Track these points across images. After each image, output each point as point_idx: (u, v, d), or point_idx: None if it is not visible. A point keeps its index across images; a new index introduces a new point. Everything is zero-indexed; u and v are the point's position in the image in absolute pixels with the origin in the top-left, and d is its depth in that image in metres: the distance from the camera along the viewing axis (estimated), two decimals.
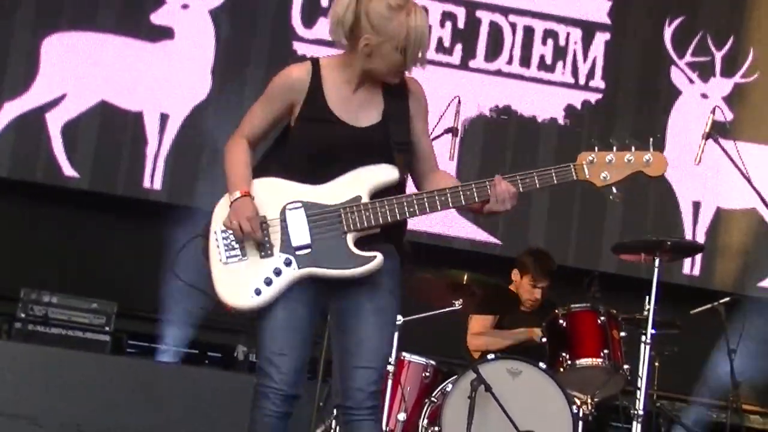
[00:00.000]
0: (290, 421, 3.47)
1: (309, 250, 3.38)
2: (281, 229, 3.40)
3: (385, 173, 3.43)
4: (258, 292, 3.37)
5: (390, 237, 3.46)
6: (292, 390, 3.40)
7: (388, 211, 3.39)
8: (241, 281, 3.38)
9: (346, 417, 3.43)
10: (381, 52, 3.36)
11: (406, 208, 3.40)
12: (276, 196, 3.43)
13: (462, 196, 3.40)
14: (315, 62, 3.50)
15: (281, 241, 3.39)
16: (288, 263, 3.38)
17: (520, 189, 3.40)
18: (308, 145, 3.43)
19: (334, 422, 5.12)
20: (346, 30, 3.37)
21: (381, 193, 3.42)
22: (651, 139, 3.46)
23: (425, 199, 3.41)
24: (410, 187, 3.56)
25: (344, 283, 3.42)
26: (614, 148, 3.41)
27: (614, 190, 3.41)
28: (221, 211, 3.44)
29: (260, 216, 3.40)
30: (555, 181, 3.40)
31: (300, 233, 3.39)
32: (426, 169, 3.56)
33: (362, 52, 3.37)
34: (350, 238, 3.39)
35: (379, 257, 3.38)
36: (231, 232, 3.39)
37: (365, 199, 3.40)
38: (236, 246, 3.40)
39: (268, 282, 3.37)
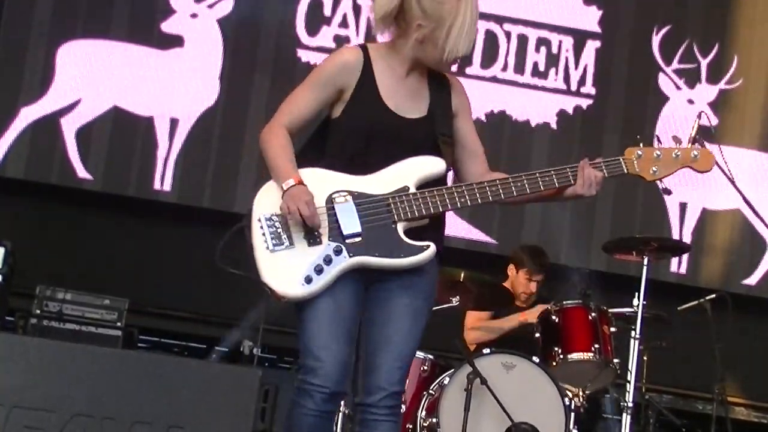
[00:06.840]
0: None
1: (360, 239, 3.12)
2: (329, 217, 3.13)
3: (432, 165, 3.19)
4: (309, 280, 3.10)
5: (432, 234, 3.22)
6: (336, 387, 3.11)
7: (438, 201, 3.17)
8: (290, 269, 3.10)
9: (364, 414, 3.18)
10: (434, 38, 3.13)
11: (456, 198, 3.18)
12: (320, 185, 3.14)
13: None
14: (364, 48, 3.25)
15: (330, 229, 3.12)
16: (338, 251, 3.12)
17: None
18: (357, 131, 3.18)
19: (338, 415, 5.06)
20: (392, 16, 3.16)
21: (426, 186, 3.19)
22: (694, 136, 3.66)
23: (487, 188, 3.20)
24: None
25: (386, 274, 3.17)
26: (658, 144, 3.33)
27: (661, 184, 3.35)
28: (264, 198, 3.17)
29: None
30: (606, 174, 3.26)
31: (350, 222, 3.12)
32: (481, 170, 3.32)
33: (414, 39, 3.16)
34: (401, 228, 3.15)
35: (432, 247, 3.16)
36: (276, 220, 3.12)
37: (412, 190, 3.16)
38: (282, 234, 3.12)
39: (319, 270, 3.10)
